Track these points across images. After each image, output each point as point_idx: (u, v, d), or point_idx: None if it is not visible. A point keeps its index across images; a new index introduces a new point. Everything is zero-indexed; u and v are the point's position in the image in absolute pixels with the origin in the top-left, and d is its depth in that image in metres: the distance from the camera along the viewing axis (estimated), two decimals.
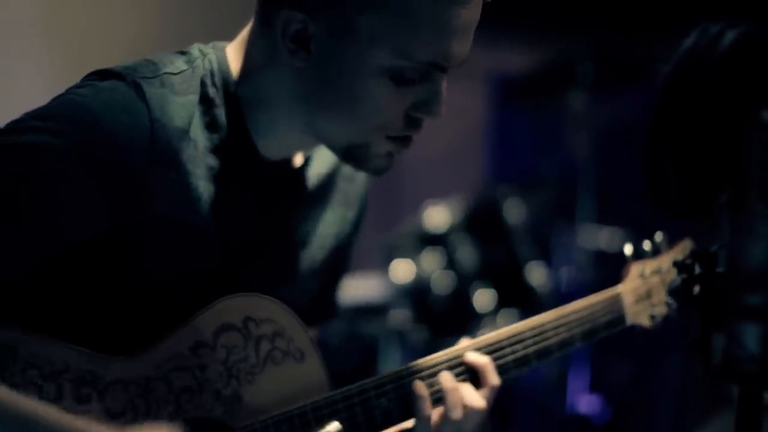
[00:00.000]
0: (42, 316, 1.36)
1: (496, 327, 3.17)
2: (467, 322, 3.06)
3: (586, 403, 3.48)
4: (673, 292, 1.16)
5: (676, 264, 1.27)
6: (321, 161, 1.58)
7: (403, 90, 1.39)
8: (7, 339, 1.31)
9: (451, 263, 3.17)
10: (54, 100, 1.35)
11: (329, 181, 1.61)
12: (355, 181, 1.65)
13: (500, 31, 3.90)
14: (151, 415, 1.37)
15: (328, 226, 1.61)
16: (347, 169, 1.63)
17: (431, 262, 3.19)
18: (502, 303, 3.12)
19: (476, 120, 4.07)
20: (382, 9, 1.34)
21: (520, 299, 3.12)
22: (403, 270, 3.20)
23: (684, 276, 1.15)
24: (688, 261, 1.17)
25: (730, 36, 1.08)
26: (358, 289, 3.28)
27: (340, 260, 1.66)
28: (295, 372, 1.46)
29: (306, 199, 1.57)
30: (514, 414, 3.34)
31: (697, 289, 1.14)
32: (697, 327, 1.15)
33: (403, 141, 1.45)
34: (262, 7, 1.42)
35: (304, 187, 1.56)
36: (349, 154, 1.46)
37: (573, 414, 3.43)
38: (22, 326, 1.32)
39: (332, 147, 1.47)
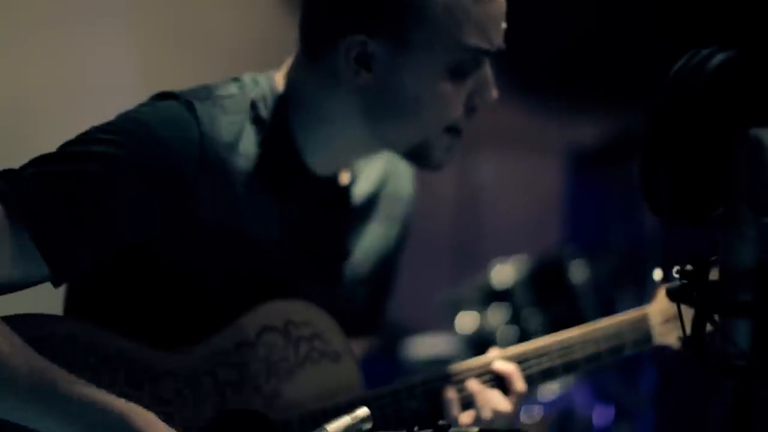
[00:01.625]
0: (105, 309, 1.51)
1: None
2: None
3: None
4: (670, 292, 1.24)
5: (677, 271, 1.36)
6: (367, 180, 1.73)
7: (459, 83, 1.57)
8: (69, 328, 1.45)
9: (515, 318, 3.25)
10: (119, 116, 1.52)
11: (374, 199, 1.75)
12: (399, 200, 1.79)
13: (573, 105, 4.03)
14: (197, 404, 1.50)
15: (371, 241, 1.74)
16: (392, 189, 1.77)
17: (496, 316, 3.27)
18: None
19: (550, 188, 4.17)
20: (431, 18, 1.52)
21: None
22: (468, 322, 3.29)
23: (682, 279, 1.24)
24: (687, 266, 1.25)
25: (719, 57, 1.18)
26: (427, 345, 3.38)
27: (385, 275, 1.79)
28: (331, 372, 1.58)
29: (351, 214, 1.70)
30: None
31: (692, 290, 1.22)
32: (692, 326, 1.22)
33: (459, 133, 1.62)
34: (315, 37, 1.58)
35: (349, 202, 1.69)
36: (414, 154, 1.62)
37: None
38: (82, 318, 1.47)
39: (397, 150, 1.63)
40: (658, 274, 1.81)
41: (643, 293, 3.38)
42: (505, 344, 3.06)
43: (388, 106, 1.58)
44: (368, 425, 1.30)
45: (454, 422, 1.59)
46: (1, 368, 1.29)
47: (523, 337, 3.16)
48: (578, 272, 3.39)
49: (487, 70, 1.60)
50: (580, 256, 3.44)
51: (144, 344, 1.49)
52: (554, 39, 3.28)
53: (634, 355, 1.84)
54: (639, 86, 3.80)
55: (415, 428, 1.28)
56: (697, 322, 1.21)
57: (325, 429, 1.27)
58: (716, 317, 1.20)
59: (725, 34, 3.36)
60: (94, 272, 1.47)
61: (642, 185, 1.22)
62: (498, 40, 1.58)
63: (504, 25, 1.60)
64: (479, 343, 3.22)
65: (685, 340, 1.22)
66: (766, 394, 1.21)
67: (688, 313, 1.58)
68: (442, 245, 1.89)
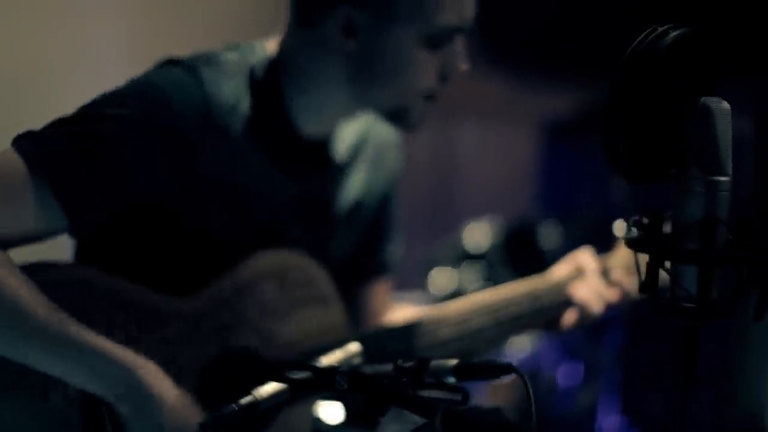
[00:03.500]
0: (115, 258, 1.65)
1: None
2: None
3: (614, 425, 3.63)
4: (628, 242, 1.37)
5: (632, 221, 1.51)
6: (350, 135, 1.87)
7: (434, 53, 1.73)
8: (86, 274, 1.59)
9: (487, 278, 3.39)
10: (129, 81, 1.67)
11: (356, 150, 1.90)
12: (383, 150, 1.95)
13: (549, 76, 4.16)
14: (200, 345, 1.65)
15: (357, 188, 1.89)
16: (375, 140, 1.92)
17: (470, 275, 3.41)
18: None
19: (525, 155, 4.31)
20: None
21: None
22: (442, 279, 3.43)
23: (638, 230, 1.37)
24: (643, 219, 1.39)
25: (674, 33, 1.32)
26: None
27: (380, 220, 1.95)
28: (321, 315, 1.74)
29: (338, 165, 1.85)
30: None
31: (647, 240, 1.36)
32: (647, 272, 1.36)
33: (434, 99, 1.78)
34: (307, 8, 1.73)
35: (335, 156, 1.85)
36: (393, 115, 1.78)
37: None
38: (98, 266, 1.61)
39: (378, 112, 1.78)
40: (619, 225, 1.97)
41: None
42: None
43: (372, 72, 1.73)
44: (359, 359, 1.44)
45: None
46: (19, 312, 1.43)
47: None
48: (550, 233, 3.53)
49: (459, 43, 1.76)
50: (552, 218, 3.59)
51: (151, 290, 1.64)
52: (531, 11, 3.41)
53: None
54: (612, 59, 3.95)
55: (399, 361, 1.42)
56: (652, 269, 1.34)
57: (318, 360, 1.41)
58: (668, 264, 1.33)
59: (689, 12, 3.50)
60: (106, 224, 1.61)
61: (604, 148, 1.35)
62: (470, 17, 1.75)
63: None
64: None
65: (641, 285, 1.36)
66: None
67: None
68: (418, 208, 2.02)
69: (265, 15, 1.93)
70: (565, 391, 3.42)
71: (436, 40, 1.73)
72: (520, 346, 3.32)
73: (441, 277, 3.44)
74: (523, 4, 1.76)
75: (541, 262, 3.49)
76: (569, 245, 3.58)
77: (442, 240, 3.64)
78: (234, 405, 1.28)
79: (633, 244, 1.35)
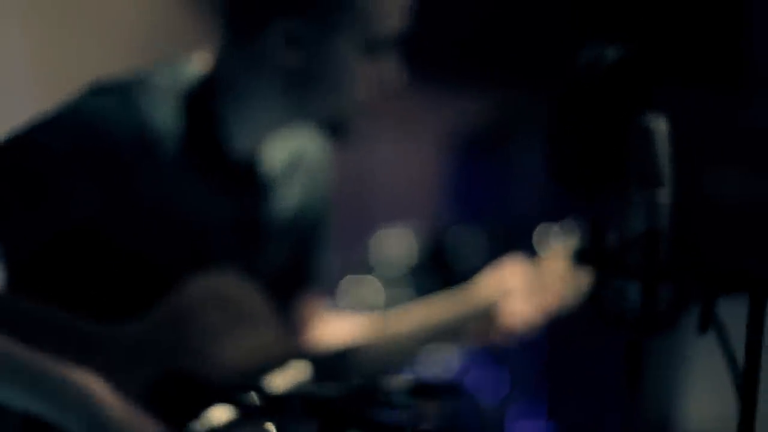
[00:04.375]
0: (49, 287, 1.63)
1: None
2: None
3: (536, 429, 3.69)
4: (575, 255, 1.40)
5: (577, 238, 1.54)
6: (279, 150, 1.87)
7: (372, 63, 1.74)
8: (19, 304, 1.57)
9: (405, 285, 3.43)
10: (58, 108, 1.65)
11: (292, 166, 1.90)
12: (313, 164, 1.95)
13: (456, 88, 4.21)
14: (142, 369, 1.63)
15: (294, 204, 1.89)
16: (308, 154, 1.92)
17: (383, 283, 3.44)
18: None
19: (432, 166, 4.35)
20: (351, 3, 1.69)
21: None
22: (355, 288, 3.45)
23: (582, 244, 1.41)
24: (587, 233, 1.42)
25: (612, 53, 1.35)
26: None
27: (310, 236, 1.95)
28: (261, 335, 1.74)
29: (271, 182, 1.85)
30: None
31: (592, 254, 1.39)
32: (593, 286, 1.38)
33: (370, 108, 1.79)
34: (243, 21, 1.73)
35: (268, 172, 1.84)
36: (328, 127, 1.78)
37: None
38: (31, 295, 1.59)
39: (316, 124, 1.79)
40: (551, 233, 2.00)
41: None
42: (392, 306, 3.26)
43: (310, 84, 1.74)
44: (307, 380, 1.45)
45: None
46: None
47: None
48: (463, 239, 3.57)
49: (395, 54, 1.78)
50: (465, 224, 3.64)
51: (88, 318, 1.62)
52: (442, 23, 3.45)
53: None
54: (522, 71, 4.02)
55: (348, 381, 1.43)
56: (597, 283, 1.37)
57: (268, 384, 1.41)
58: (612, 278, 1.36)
59: (610, 26, 3.59)
60: (40, 252, 1.59)
61: (547, 161, 1.38)
62: (401, 24, 1.77)
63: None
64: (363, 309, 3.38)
65: (587, 298, 1.39)
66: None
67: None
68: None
69: (178, 28, 1.92)
70: (492, 398, 3.46)
71: (377, 49, 1.74)
72: (447, 356, 3.36)
73: (354, 286, 3.45)
74: (433, 17, 1.79)
75: (454, 267, 3.55)
76: (482, 251, 3.65)
77: (354, 248, 3.65)
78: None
79: (579, 258, 1.38)
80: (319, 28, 1.70)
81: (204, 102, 1.74)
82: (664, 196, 1.33)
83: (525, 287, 1.98)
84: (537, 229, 2.05)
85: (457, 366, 3.37)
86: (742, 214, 3.87)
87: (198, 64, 1.78)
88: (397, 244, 3.55)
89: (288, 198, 1.89)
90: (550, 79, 1.46)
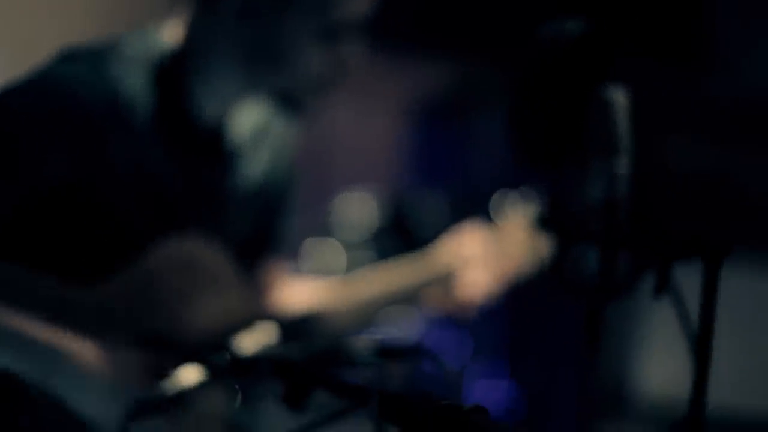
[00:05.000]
0: (21, 249, 1.65)
1: None
2: None
3: (497, 390, 3.76)
4: (538, 221, 1.44)
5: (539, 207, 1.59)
6: (246, 117, 1.90)
7: (330, 44, 1.76)
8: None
9: (355, 252, 3.47)
10: (31, 74, 1.67)
11: (258, 134, 1.93)
12: (281, 133, 1.97)
13: (418, 54, 4.23)
14: (112, 334, 1.66)
15: (256, 171, 1.92)
16: (275, 123, 1.95)
17: (346, 246, 3.48)
18: None
19: (395, 132, 4.38)
20: None
21: None
22: (316, 250, 3.48)
23: (543, 212, 1.45)
24: (548, 201, 1.47)
25: (573, 27, 1.39)
26: None
27: (275, 203, 1.98)
28: (228, 298, 1.78)
29: (238, 150, 1.88)
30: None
31: (553, 221, 1.44)
32: (554, 252, 1.43)
33: (328, 87, 1.82)
34: None
35: (236, 141, 1.87)
36: (285, 102, 1.82)
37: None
38: (2, 258, 1.62)
39: (274, 97, 1.81)
40: (511, 200, 2.04)
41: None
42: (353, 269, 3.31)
43: (266, 57, 1.77)
44: (274, 341, 1.48)
45: None
46: None
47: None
48: (424, 203, 3.61)
49: (354, 37, 1.80)
50: (422, 196, 3.68)
51: (59, 280, 1.65)
52: None
53: None
54: (481, 39, 4.06)
55: (314, 343, 1.47)
56: (559, 249, 1.41)
57: (237, 345, 1.44)
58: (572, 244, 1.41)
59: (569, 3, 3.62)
60: (12, 215, 1.61)
61: (510, 137, 1.42)
62: (360, 14, 1.79)
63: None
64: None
65: (548, 264, 1.43)
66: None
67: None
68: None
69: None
70: (453, 359, 3.52)
71: (332, 33, 1.76)
72: (408, 317, 3.40)
73: (315, 249, 3.48)
74: None
75: (415, 232, 3.60)
76: (443, 216, 3.69)
77: (316, 211, 3.69)
78: (162, 391, 1.30)
79: (540, 225, 1.42)
80: (272, 4, 1.73)
81: (172, 71, 1.76)
82: (623, 165, 1.36)
83: (483, 254, 2.01)
84: (494, 196, 2.09)
85: (419, 327, 3.43)
86: (698, 181, 3.94)
87: (167, 33, 1.80)
88: (359, 207, 3.58)
89: (254, 166, 1.92)
90: (512, 50, 1.50)
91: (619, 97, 1.37)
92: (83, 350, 1.53)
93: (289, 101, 1.83)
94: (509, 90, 1.42)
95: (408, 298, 2.01)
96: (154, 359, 1.65)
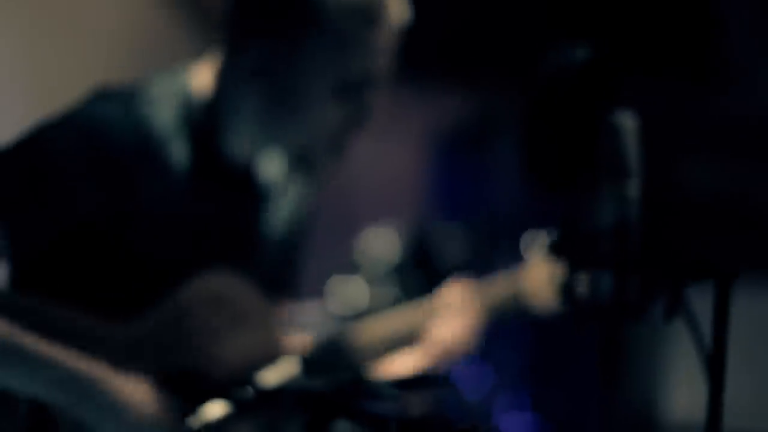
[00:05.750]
0: (53, 285, 1.69)
1: None
2: None
3: (520, 421, 3.76)
4: (549, 249, 1.45)
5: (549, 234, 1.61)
6: (275, 163, 1.93)
7: (344, 100, 1.76)
8: (23, 301, 1.64)
9: (385, 286, 3.49)
10: (63, 114, 1.72)
11: (286, 175, 1.94)
12: (308, 174, 2.00)
13: (437, 86, 4.27)
14: (143, 369, 1.69)
15: (283, 214, 1.95)
16: (302, 164, 1.97)
17: (370, 283, 3.50)
18: None
19: (416, 165, 4.40)
20: (331, 35, 1.72)
21: None
22: (342, 288, 3.50)
23: (554, 238, 1.46)
24: (558, 228, 1.48)
25: (580, 53, 1.41)
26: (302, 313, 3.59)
27: (296, 244, 2.01)
28: (257, 335, 1.80)
29: (264, 192, 1.91)
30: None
31: (564, 247, 1.45)
32: (566, 277, 1.44)
33: (341, 150, 1.82)
34: (231, 38, 1.79)
35: (262, 181, 1.90)
36: (298, 158, 1.82)
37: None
38: (34, 292, 1.66)
39: (284, 151, 1.83)
40: (540, 238, 2.05)
41: (508, 259, 3.66)
42: (380, 308, 3.32)
43: (281, 109, 1.78)
44: (298, 374, 1.51)
45: None
46: None
47: (394, 304, 3.37)
48: (448, 237, 3.63)
49: (370, 94, 1.80)
50: (449, 221, 3.70)
51: (90, 317, 1.68)
52: (419, 22, 3.53)
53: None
54: (500, 71, 4.09)
55: (336, 376, 1.49)
56: (570, 274, 1.43)
57: (263, 381, 1.47)
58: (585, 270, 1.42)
59: (583, 28, 3.66)
60: (46, 250, 1.66)
61: (523, 162, 1.44)
62: (382, 71, 1.79)
63: (390, 55, 1.80)
64: (353, 309, 3.44)
65: (560, 290, 1.44)
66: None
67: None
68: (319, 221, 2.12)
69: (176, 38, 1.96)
70: (477, 391, 3.52)
71: (347, 88, 1.76)
72: None
73: (341, 286, 3.50)
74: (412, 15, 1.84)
75: (438, 265, 3.61)
76: (466, 248, 3.71)
77: (340, 248, 3.71)
78: (189, 426, 1.32)
79: (553, 250, 1.43)
80: (293, 52, 1.74)
81: (202, 114, 1.80)
82: (633, 189, 1.38)
83: (461, 305, 2.04)
84: (524, 235, 2.10)
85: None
86: (709, 202, 3.95)
87: (197, 75, 1.83)
88: (382, 243, 3.60)
89: (283, 207, 1.95)
90: (523, 77, 1.52)
91: (627, 122, 1.39)
92: (114, 382, 1.57)
93: (305, 156, 1.83)
94: (520, 117, 1.45)
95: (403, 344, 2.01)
96: (182, 395, 1.67)
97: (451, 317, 2.01)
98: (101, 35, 3.33)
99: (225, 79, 1.81)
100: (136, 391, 1.60)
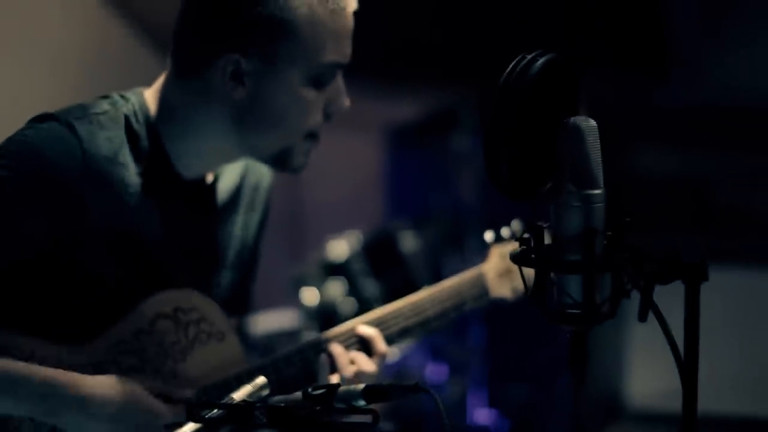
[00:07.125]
0: (8, 313, 1.67)
1: None
2: None
3: (485, 417, 3.79)
4: (513, 257, 1.45)
5: (515, 237, 1.59)
6: (229, 176, 1.91)
7: (319, 92, 1.77)
8: None
9: (353, 290, 3.49)
10: (5, 141, 1.69)
11: (236, 192, 1.94)
12: (259, 190, 1.98)
13: (391, 84, 4.27)
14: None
15: (237, 229, 1.93)
16: (251, 180, 1.96)
17: (335, 289, 3.50)
18: None
19: (372, 164, 4.40)
20: (296, 35, 1.72)
21: None
22: (309, 297, 3.51)
23: (522, 245, 1.45)
24: (525, 234, 1.47)
25: (541, 60, 1.41)
26: (269, 321, 3.58)
27: (249, 258, 1.99)
28: (218, 350, 1.79)
29: (217, 209, 1.89)
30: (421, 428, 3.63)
31: (531, 253, 1.44)
32: (534, 283, 1.43)
33: (316, 138, 1.82)
34: (189, 57, 1.76)
35: (215, 199, 1.88)
36: (278, 159, 1.81)
37: (474, 426, 3.74)
38: None
39: (262, 157, 1.82)
40: (489, 235, 2.07)
41: (467, 256, 3.67)
42: (346, 315, 3.33)
43: (258, 117, 1.76)
44: (266, 391, 1.50)
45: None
46: None
47: (362, 306, 3.39)
48: (407, 242, 3.64)
49: (340, 80, 1.81)
50: (408, 226, 3.70)
51: (49, 342, 1.66)
52: (375, 21, 3.55)
53: (464, 314, 2.09)
54: (454, 66, 4.10)
55: (308, 389, 1.48)
56: (538, 280, 1.42)
57: (232, 398, 1.45)
58: (552, 275, 1.42)
59: (539, 34, 3.68)
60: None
61: (486, 168, 1.43)
62: (349, 51, 1.80)
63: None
64: (323, 315, 3.45)
65: (528, 295, 1.44)
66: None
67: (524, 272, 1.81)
68: (275, 227, 2.08)
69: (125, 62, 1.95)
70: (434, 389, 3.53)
71: (320, 79, 1.77)
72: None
73: (309, 295, 3.51)
74: (366, 14, 1.83)
75: (402, 268, 3.62)
76: (428, 248, 3.72)
77: (307, 257, 3.71)
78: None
79: (519, 259, 1.42)
80: (262, 62, 1.73)
81: (150, 132, 1.77)
82: (598, 194, 1.38)
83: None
84: (486, 232, 2.10)
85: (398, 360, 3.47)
86: (661, 188, 3.99)
87: (142, 95, 1.81)
88: (345, 249, 3.60)
89: (236, 222, 1.93)
90: (483, 81, 1.51)
91: (588, 125, 1.39)
92: (85, 381, 1.60)
93: (280, 160, 1.82)
94: (482, 122, 1.44)
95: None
96: (150, 414, 1.66)
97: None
98: (51, 50, 3.31)
99: (178, 98, 1.78)
100: (104, 385, 1.61)
